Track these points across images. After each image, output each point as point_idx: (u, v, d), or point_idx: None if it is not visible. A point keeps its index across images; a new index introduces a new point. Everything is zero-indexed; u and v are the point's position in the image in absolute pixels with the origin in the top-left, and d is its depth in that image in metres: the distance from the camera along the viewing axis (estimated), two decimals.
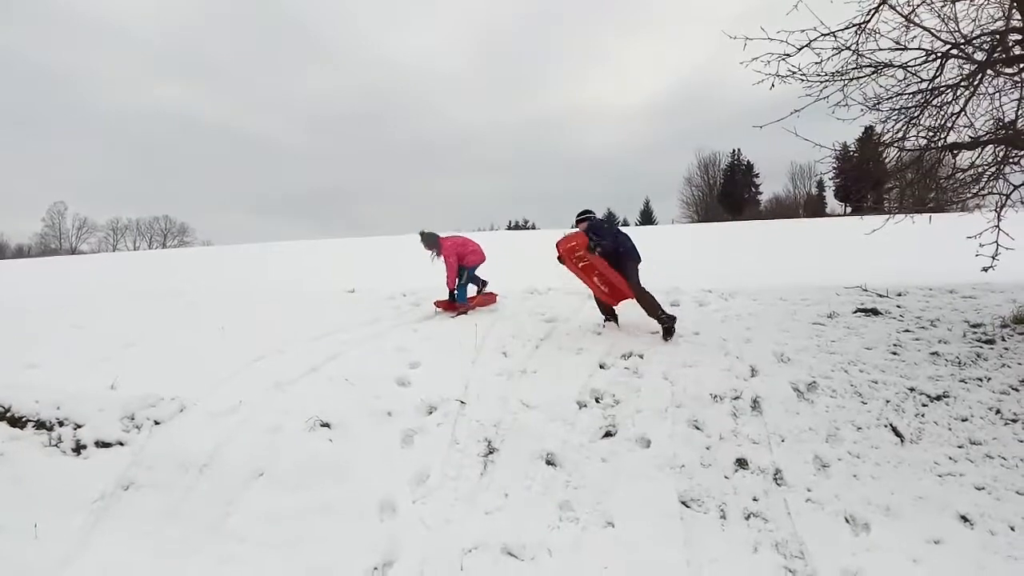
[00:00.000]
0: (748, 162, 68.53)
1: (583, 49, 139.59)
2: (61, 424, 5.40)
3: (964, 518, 4.62)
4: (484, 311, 9.15)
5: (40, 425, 5.41)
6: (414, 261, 10.88)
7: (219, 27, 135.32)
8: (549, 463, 5.19)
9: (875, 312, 7.97)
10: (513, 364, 6.75)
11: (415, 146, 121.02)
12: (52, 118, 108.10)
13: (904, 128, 6.53)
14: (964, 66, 6.25)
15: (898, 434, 5.49)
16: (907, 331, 7.28)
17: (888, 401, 5.87)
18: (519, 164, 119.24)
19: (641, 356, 6.83)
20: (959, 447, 5.31)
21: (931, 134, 6.51)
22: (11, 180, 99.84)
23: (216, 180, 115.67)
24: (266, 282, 8.98)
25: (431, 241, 9.36)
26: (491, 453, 5.29)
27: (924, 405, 5.82)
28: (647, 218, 69.97)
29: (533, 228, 66.97)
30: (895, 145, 6.71)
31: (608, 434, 5.58)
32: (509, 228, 70.61)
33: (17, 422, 5.44)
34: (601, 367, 6.66)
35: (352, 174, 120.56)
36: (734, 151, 68.63)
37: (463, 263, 9.16)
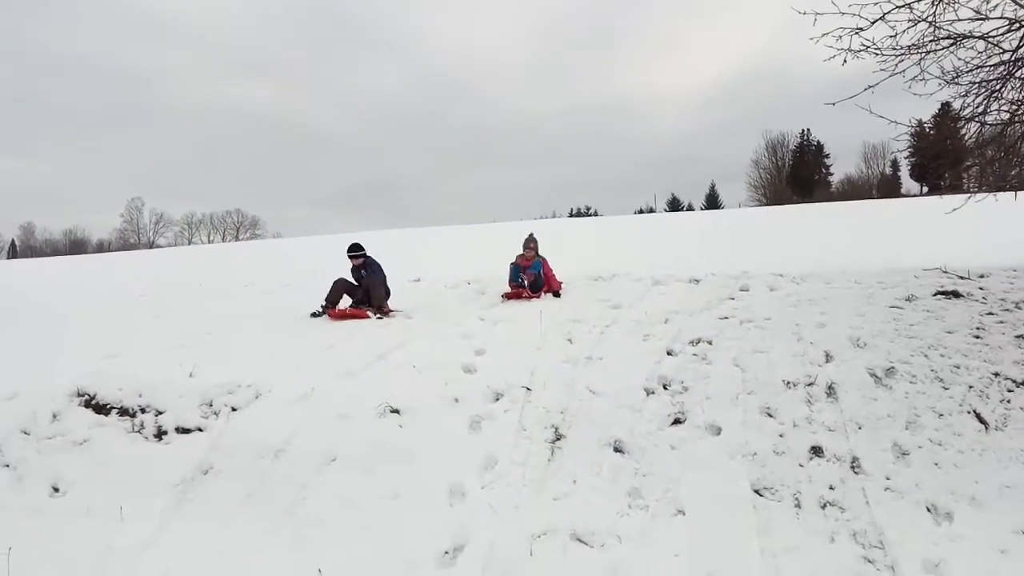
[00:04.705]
0: (818, 142, 66.90)
1: (644, 34, 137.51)
2: (143, 411, 5.60)
3: None
4: (548, 298, 9.14)
5: (124, 412, 5.62)
6: (478, 250, 10.92)
7: (279, 25, 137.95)
8: (617, 450, 5.16)
9: (956, 295, 7.65)
10: (579, 351, 6.72)
11: (475, 136, 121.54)
12: (127, 117, 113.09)
13: (985, 102, 6.25)
14: None
15: (982, 421, 5.28)
16: (990, 314, 6.97)
17: (971, 387, 5.64)
18: (580, 152, 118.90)
19: (710, 342, 6.71)
20: None
21: (1015, 107, 6.21)
22: (91, 177, 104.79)
23: (283, 174, 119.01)
24: (333, 272, 9.16)
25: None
26: (558, 440, 5.29)
27: (1010, 391, 5.57)
28: (712, 202, 68.90)
29: (596, 215, 66.62)
30: (975, 120, 6.42)
31: (677, 421, 5.52)
32: (571, 215, 70.40)
33: (102, 409, 5.66)
34: (669, 354, 6.57)
35: (413, 165, 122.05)
36: (803, 132, 67.07)
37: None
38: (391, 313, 8.79)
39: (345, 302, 9.00)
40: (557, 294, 9.35)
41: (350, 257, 9.09)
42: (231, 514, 4.58)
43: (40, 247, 77.92)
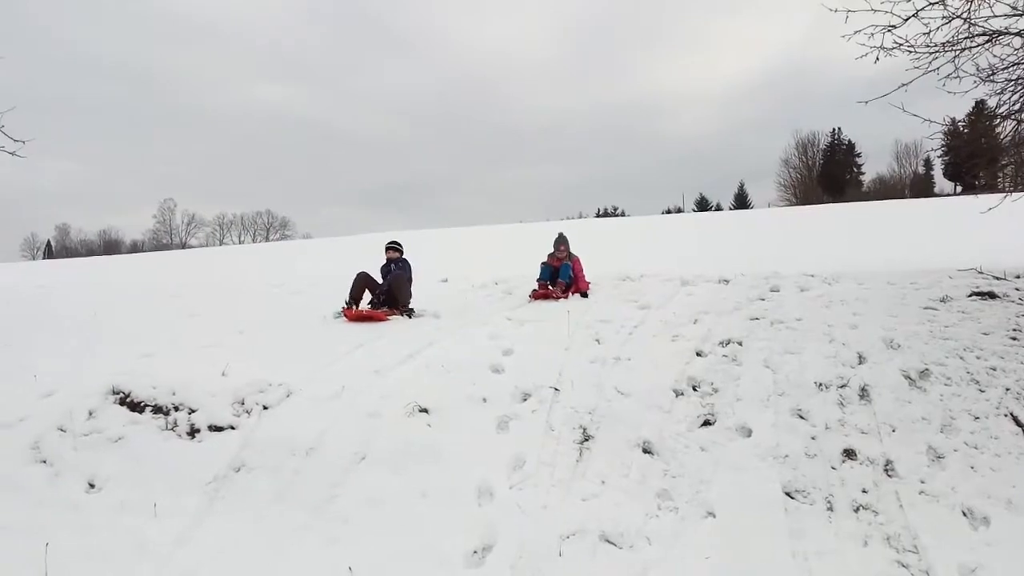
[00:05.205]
0: (849, 141, 66.18)
1: (672, 31, 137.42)
2: (177, 409, 5.67)
3: None
4: (576, 298, 9.14)
5: (157, 410, 5.69)
6: (505, 250, 10.94)
7: (306, 27, 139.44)
8: (646, 451, 5.14)
9: (992, 295, 7.52)
10: (607, 351, 6.70)
11: (501, 136, 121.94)
12: (158, 119, 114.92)
13: (1021, 99, 6.13)
14: None
15: (1019, 424, 5.18)
16: None
17: (1008, 389, 5.54)
18: (606, 151, 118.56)
19: (740, 343, 6.66)
20: None
21: None
22: (125, 179, 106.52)
23: (311, 175, 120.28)
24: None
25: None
26: (586, 440, 5.27)
27: None
28: (741, 202, 68.26)
29: (623, 215, 66.38)
30: (1011, 118, 6.31)
31: (707, 423, 5.48)
32: (598, 215, 70.26)
33: (136, 407, 5.74)
34: (698, 354, 6.53)
35: (439, 165, 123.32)
36: (834, 130, 66.43)
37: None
38: (412, 314, 8.83)
39: (364, 301, 9.03)
40: (584, 294, 9.33)
41: (388, 249, 9.30)
42: (263, 512, 4.62)
43: (75, 247, 79.56)
